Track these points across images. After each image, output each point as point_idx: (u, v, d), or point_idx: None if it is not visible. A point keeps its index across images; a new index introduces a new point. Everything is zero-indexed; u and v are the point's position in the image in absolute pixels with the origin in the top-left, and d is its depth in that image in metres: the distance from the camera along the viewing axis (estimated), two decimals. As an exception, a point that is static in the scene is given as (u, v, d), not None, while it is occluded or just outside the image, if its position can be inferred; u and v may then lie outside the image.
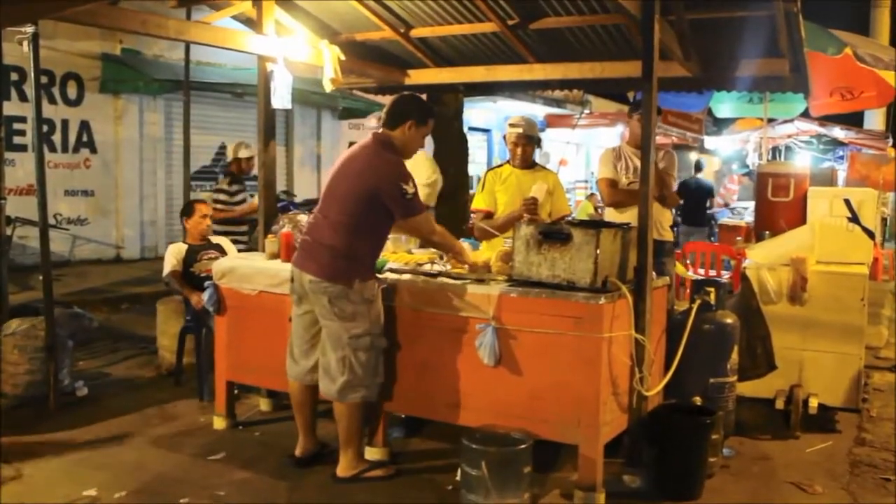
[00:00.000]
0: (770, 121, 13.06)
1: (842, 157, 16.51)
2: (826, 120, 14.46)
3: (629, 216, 5.07)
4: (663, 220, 5.57)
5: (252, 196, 7.20)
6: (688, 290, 5.52)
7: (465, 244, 4.54)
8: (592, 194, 15.54)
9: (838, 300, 5.19)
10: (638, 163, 5.04)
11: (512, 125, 5.21)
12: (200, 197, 8.33)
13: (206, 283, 5.00)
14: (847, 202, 4.76)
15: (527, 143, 5.15)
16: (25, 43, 5.07)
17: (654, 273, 4.28)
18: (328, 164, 13.30)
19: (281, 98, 5.43)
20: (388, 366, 4.24)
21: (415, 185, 4.08)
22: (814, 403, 5.07)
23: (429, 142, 9.83)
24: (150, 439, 4.75)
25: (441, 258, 4.65)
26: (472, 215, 5.57)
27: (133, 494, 3.97)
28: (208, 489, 4.02)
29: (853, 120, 14.83)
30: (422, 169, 5.47)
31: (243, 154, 7.49)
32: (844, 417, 5.19)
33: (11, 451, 4.48)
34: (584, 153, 22.95)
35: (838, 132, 15.24)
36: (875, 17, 18.78)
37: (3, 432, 4.73)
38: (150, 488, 4.05)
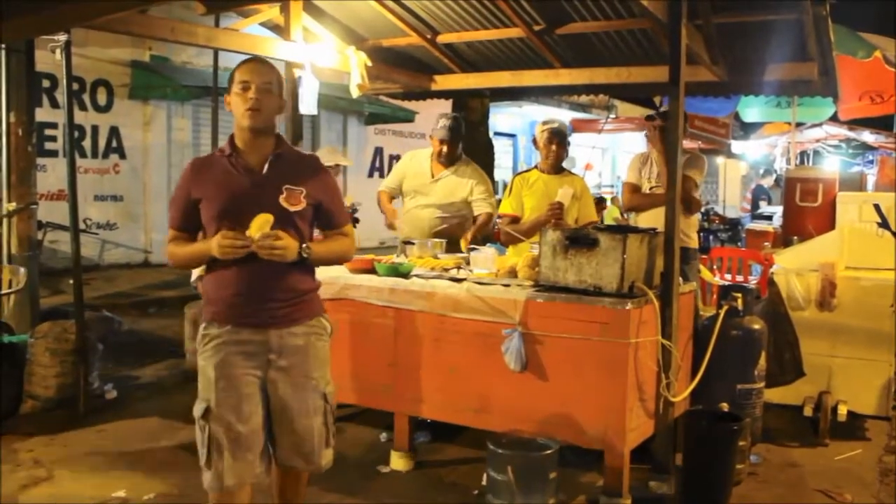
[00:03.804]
0: (798, 125, 12.92)
1: (871, 162, 16.35)
2: (855, 124, 14.27)
3: (649, 220, 5.05)
4: (687, 226, 5.52)
5: None
6: (715, 296, 5.48)
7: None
8: (614, 197, 15.49)
9: (868, 306, 5.14)
10: (663, 167, 5.02)
11: (545, 122, 5.20)
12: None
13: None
14: (877, 207, 4.70)
15: (560, 140, 5.10)
16: (58, 51, 5.14)
17: (680, 278, 4.27)
18: (354, 169, 13.36)
19: (308, 104, 5.47)
20: (415, 371, 4.25)
21: (177, 192, 3.15)
22: (843, 411, 5.02)
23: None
24: (178, 442, 4.79)
25: (467, 263, 4.66)
26: (497, 220, 5.56)
27: (161, 497, 4.01)
28: (236, 492, 4.04)
29: (883, 124, 14.60)
30: (482, 178, 5.45)
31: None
32: (874, 425, 5.12)
33: (42, 452, 4.55)
34: (609, 158, 22.90)
35: (868, 136, 15.08)
36: (906, 20, 18.53)
37: (35, 434, 4.81)
38: (178, 490, 4.08)
